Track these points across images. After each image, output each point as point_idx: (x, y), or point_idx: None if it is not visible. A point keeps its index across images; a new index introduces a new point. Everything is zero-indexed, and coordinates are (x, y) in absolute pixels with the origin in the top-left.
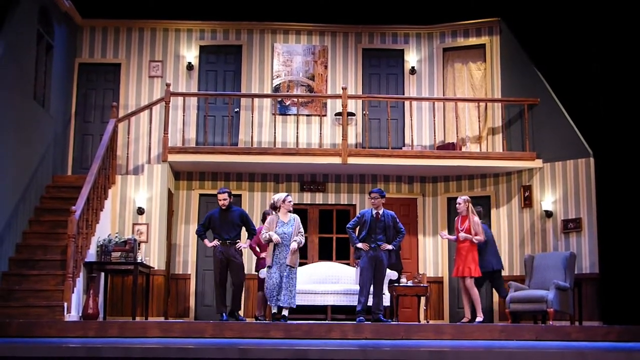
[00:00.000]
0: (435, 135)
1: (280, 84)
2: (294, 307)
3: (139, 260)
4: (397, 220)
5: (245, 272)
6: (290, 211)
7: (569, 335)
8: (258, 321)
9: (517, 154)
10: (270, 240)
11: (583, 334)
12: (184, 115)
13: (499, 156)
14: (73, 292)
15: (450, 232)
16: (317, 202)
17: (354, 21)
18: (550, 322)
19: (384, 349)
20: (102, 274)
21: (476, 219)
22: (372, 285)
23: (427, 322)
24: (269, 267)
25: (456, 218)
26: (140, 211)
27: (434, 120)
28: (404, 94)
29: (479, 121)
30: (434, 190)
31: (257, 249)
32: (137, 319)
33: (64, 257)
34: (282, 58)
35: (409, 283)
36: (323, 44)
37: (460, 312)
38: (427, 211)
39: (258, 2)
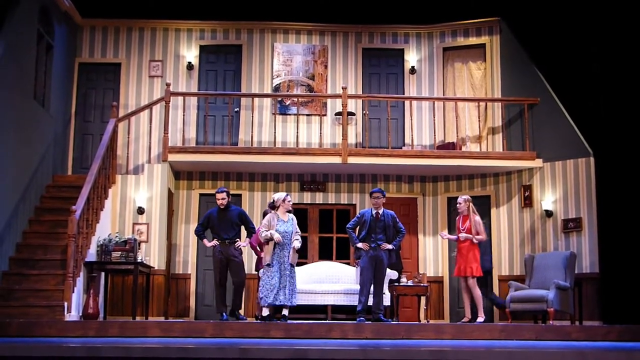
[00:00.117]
0: (435, 135)
1: (280, 83)
2: (295, 305)
3: (139, 260)
4: (397, 220)
5: (246, 271)
6: (289, 211)
7: (569, 335)
8: (258, 321)
9: (517, 153)
10: (270, 239)
11: (583, 334)
12: (184, 115)
13: (499, 156)
14: (73, 292)
15: (451, 232)
16: (317, 202)
17: (354, 21)
18: (551, 322)
19: (384, 349)
20: (103, 273)
21: (477, 218)
22: (372, 285)
23: (428, 321)
24: (268, 265)
25: (457, 218)
26: (141, 211)
27: (434, 120)
28: (404, 94)
29: (479, 121)
30: (434, 189)
31: (258, 248)
32: (138, 318)
33: (64, 256)
34: (282, 58)
35: (409, 283)
36: (323, 44)
37: (460, 311)
38: (427, 211)
39: (258, 2)
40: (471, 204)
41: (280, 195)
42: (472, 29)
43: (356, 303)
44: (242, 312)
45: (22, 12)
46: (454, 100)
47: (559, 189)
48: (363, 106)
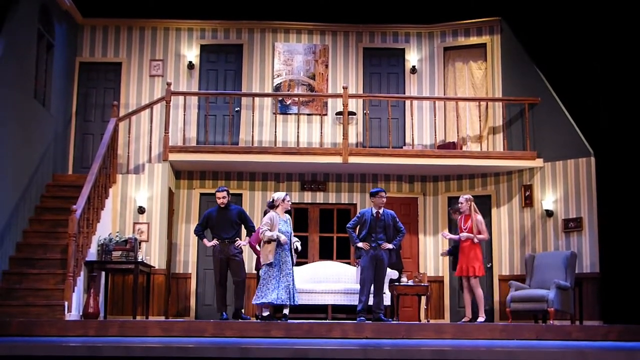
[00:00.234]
0: (436, 135)
1: (281, 83)
2: (297, 304)
3: (139, 260)
4: (397, 220)
5: (246, 270)
6: (287, 211)
7: (569, 335)
8: (259, 320)
9: (517, 153)
10: (273, 239)
11: (583, 334)
12: (184, 115)
13: (500, 155)
14: (73, 291)
15: (452, 232)
16: (317, 202)
17: (354, 20)
18: (551, 322)
19: (384, 349)
20: (103, 273)
21: (479, 217)
22: (372, 285)
23: (428, 321)
24: (270, 265)
25: (459, 217)
26: (141, 210)
27: (435, 120)
28: (404, 93)
29: (480, 120)
30: (434, 189)
31: (258, 247)
32: (138, 318)
33: (64, 256)
34: (283, 57)
35: (410, 282)
36: (324, 43)
37: (461, 311)
38: (427, 210)
39: (259, 2)
40: (473, 204)
41: (280, 195)
42: (472, 28)
43: (356, 303)
44: (243, 311)
45: (22, 11)
46: (455, 100)
47: (559, 188)
48: (364, 106)
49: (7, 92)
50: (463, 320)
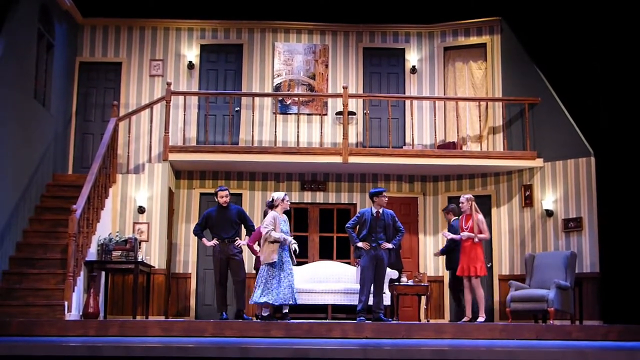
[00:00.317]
0: (436, 135)
1: (281, 83)
2: (296, 304)
3: (139, 259)
4: (396, 219)
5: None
6: (285, 211)
7: (569, 335)
8: (258, 320)
9: (517, 153)
10: (279, 240)
11: (583, 333)
12: (184, 114)
13: (500, 155)
14: (73, 291)
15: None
16: (317, 201)
17: (354, 20)
18: (551, 322)
19: (384, 348)
20: (103, 272)
21: (480, 216)
22: (372, 285)
23: (428, 321)
24: (271, 264)
25: (460, 217)
26: (141, 210)
27: (435, 120)
28: (404, 93)
29: (480, 120)
30: (434, 189)
31: (257, 247)
32: (138, 318)
33: (64, 255)
34: (283, 57)
35: (410, 282)
36: (324, 43)
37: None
38: (427, 210)
39: (259, 1)
40: (474, 203)
41: (280, 195)
42: (472, 28)
43: (356, 302)
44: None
45: (22, 11)
46: (455, 100)
47: (559, 188)
48: (364, 105)
49: (7, 92)
50: (463, 320)
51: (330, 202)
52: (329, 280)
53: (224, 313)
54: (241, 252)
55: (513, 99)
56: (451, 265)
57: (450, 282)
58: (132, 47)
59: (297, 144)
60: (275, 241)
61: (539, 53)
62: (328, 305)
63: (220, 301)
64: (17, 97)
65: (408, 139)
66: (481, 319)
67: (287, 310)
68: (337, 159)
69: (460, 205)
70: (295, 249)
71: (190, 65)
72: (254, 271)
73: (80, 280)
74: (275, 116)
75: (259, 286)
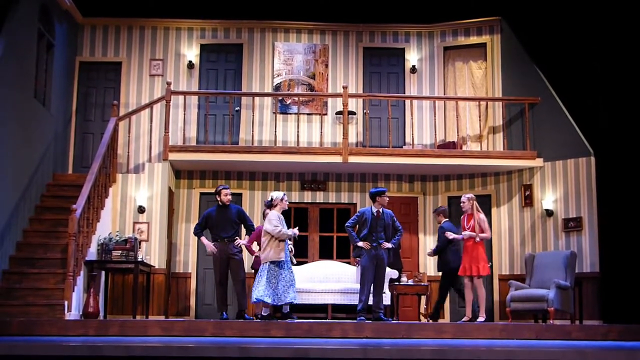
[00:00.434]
0: (436, 134)
1: (281, 82)
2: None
3: (139, 259)
4: (395, 219)
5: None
6: (283, 211)
7: (569, 335)
8: (258, 320)
9: (517, 152)
10: (291, 235)
11: (583, 333)
12: (184, 114)
13: (500, 155)
14: (73, 291)
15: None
16: (317, 201)
17: (354, 20)
18: (551, 321)
19: (384, 348)
20: (103, 272)
21: (482, 216)
22: (372, 284)
23: (428, 321)
24: (276, 263)
25: (462, 217)
26: (141, 210)
27: (435, 119)
28: (404, 93)
29: (480, 120)
30: (434, 189)
31: (257, 246)
32: (138, 317)
33: (64, 255)
34: (283, 57)
35: (410, 282)
36: (324, 43)
37: (461, 310)
38: (428, 210)
39: (259, 1)
40: (475, 202)
41: (278, 195)
42: (472, 28)
43: (356, 302)
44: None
45: (22, 11)
46: (455, 100)
47: (559, 188)
48: (364, 105)
49: (7, 92)
50: (463, 319)
51: (330, 201)
52: (328, 280)
53: (224, 313)
54: (241, 251)
55: (513, 99)
56: (442, 267)
57: (441, 282)
58: (132, 47)
59: (297, 144)
60: (281, 239)
61: (539, 53)
62: (328, 305)
63: (221, 301)
64: (17, 97)
65: (408, 139)
66: (481, 318)
67: (288, 310)
68: (337, 159)
69: (461, 204)
70: (291, 249)
71: (190, 65)
72: (252, 270)
73: (80, 280)
74: (275, 116)
75: (263, 285)
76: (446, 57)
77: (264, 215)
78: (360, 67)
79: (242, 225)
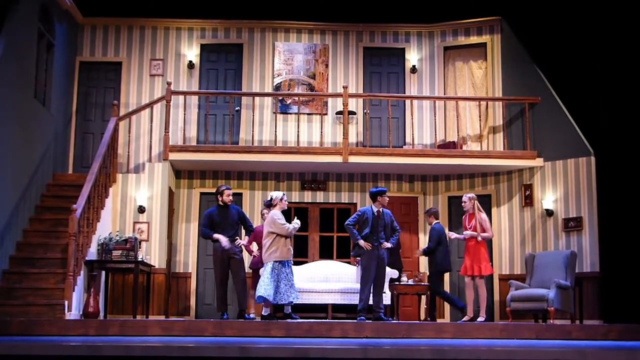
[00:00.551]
0: (436, 134)
1: (281, 82)
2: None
3: (139, 259)
4: (394, 219)
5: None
6: (284, 211)
7: (569, 334)
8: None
9: (518, 152)
10: (297, 225)
11: (583, 333)
12: (184, 114)
13: (500, 155)
14: (74, 291)
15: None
16: (318, 201)
17: (354, 20)
18: (551, 321)
19: (384, 348)
20: (103, 272)
21: (483, 215)
22: (372, 284)
23: (428, 320)
24: (282, 262)
25: (463, 216)
26: (141, 210)
27: (435, 119)
28: (404, 93)
29: (480, 120)
30: (434, 189)
31: (255, 246)
32: (138, 317)
33: (64, 255)
34: (283, 57)
35: (410, 282)
36: (324, 43)
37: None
38: None
39: (259, 1)
40: (476, 202)
41: (278, 194)
42: (473, 28)
43: (356, 302)
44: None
45: (22, 11)
46: (455, 100)
47: (559, 188)
48: (364, 105)
49: (7, 92)
50: (463, 319)
51: (330, 201)
52: (329, 280)
53: (224, 313)
54: (241, 251)
55: (513, 99)
56: (430, 268)
57: (430, 282)
58: (132, 47)
59: (297, 144)
60: (287, 236)
61: (539, 53)
62: (328, 305)
63: (221, 301)
64: (17, 97)
65: (408, 139)
66: (481, 318)
67: (290, 310)
68: (337, 159)
69: (462, 204)
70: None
71: (191, 65)
72: (250, 269)
73: (81, 280)
74: (276, 116)
75: (268, 283)
76: (446, 57)
77: (262, 216)
78: (361, 67)
79: (242, 226)
